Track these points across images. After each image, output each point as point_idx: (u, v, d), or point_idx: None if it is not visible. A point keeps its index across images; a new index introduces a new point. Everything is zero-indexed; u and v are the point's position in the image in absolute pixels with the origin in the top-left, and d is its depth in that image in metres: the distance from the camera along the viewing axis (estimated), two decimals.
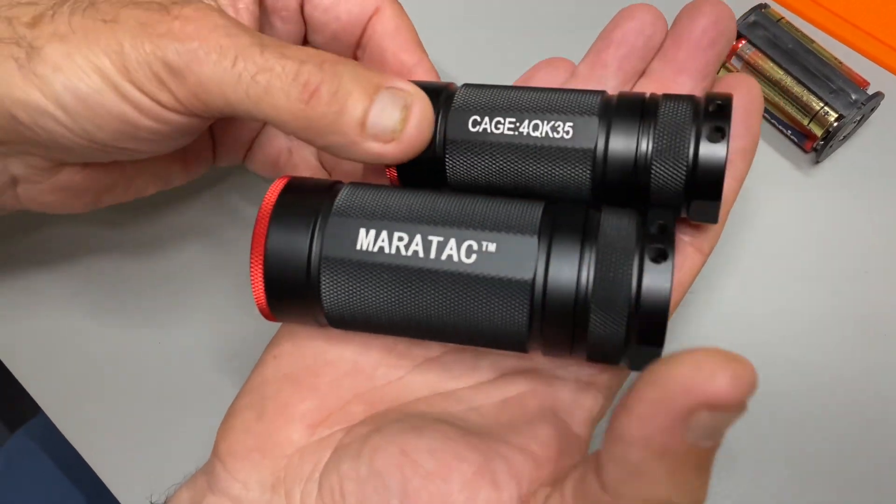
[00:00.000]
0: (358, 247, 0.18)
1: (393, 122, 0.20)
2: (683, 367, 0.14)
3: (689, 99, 0.20)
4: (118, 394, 0.29)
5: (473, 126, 0.21)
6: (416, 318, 0.19)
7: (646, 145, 0.19)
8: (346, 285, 0.19)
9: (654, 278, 0.17)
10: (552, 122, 0.20)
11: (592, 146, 0.19)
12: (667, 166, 0.19)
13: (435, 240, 0.18)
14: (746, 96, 0.23)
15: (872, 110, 0.32)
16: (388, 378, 0.22)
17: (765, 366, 0.28)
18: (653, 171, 0.19)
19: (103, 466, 0.28)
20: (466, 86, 0.22)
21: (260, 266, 0.19)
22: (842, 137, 0.32)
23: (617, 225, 0.18)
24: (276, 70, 0.20)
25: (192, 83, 0.20)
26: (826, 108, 0.31)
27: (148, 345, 0.30)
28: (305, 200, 0.20)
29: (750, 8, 0.33)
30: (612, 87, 0.24)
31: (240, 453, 0.21)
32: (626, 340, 0.18)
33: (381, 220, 0.19)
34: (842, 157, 0.33)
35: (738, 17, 0.33)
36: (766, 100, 0.32)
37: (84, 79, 0.20)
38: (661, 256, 0.17)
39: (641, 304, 0.17)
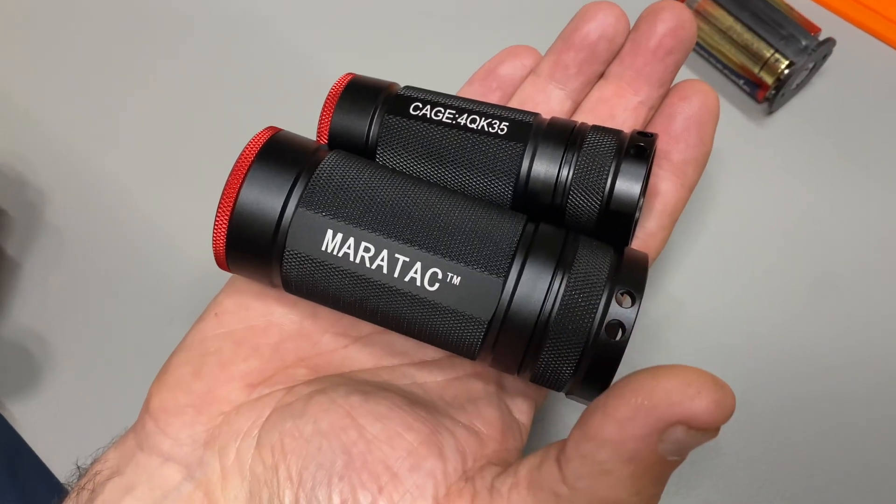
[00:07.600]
0: (323, 247, 0.18)
1: None
2: (671, 381, 0.14)
3: (615, 134, 0.20)
4: (49, 362, 0.28)
5: (414, 111, 0.21)
6: (371, 316, 0.19)
7: (567, 172, 0.20)
8: (307, 273, 0.19)
9: (619, 316, 0.17)
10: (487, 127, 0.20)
11: (517, 166, 0.20)
12: (583, 196, 0.20)
13: (401, 259, 0.18)
14: (700, 105, 0.22)
15: (825, 58, 0.31)
16: (334, 346, 0.22)
17: (715, 317, 0.28)
18: (569, 198, 0.20)
19: (33, 435, 0.27)
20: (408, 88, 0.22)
21: (227, 215, 0.18)
22: (794, 86, 0.31)
23: (591, 262, 0.18)
24: None
25: None
26: (777, 55, 0.30)
27: (80, 313, 0.29)
28: (286, 162, 0.19)
29: None
30: (573, 88, 0.24)
31: (173, 409, 0.20)
32: (573, 374, 0.18)
33: (351, 224, 0.18)
34: (795, 107, 0.32)
35: None
36: (717, 49, 0.31)
37: None
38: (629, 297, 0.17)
39: (597, 345, 0.17)
